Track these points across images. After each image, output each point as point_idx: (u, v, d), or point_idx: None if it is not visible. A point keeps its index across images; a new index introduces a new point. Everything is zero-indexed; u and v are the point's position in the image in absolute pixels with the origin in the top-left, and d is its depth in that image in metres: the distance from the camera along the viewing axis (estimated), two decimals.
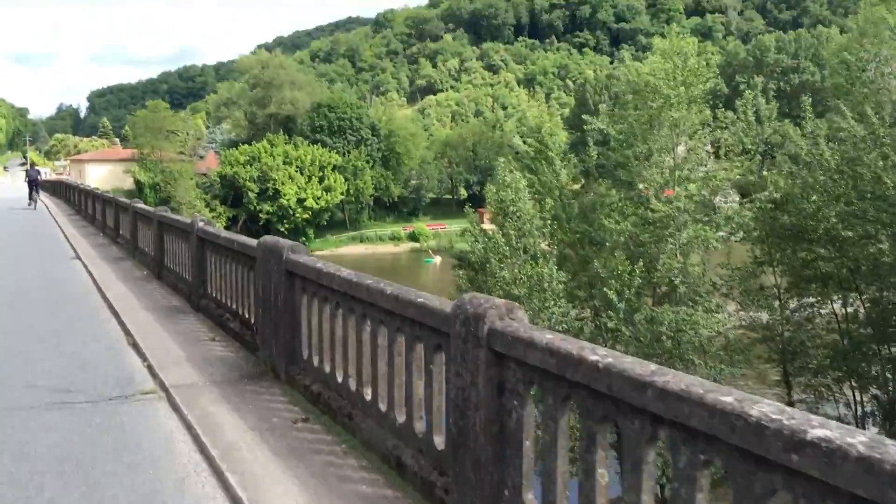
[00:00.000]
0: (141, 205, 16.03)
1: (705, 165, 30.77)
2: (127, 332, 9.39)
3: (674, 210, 28.14)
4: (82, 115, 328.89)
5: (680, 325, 28.43)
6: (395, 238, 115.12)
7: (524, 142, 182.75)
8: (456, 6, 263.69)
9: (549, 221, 29.65)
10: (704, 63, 29.60)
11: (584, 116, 33.29)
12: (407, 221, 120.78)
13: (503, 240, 28.55)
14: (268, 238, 7.23)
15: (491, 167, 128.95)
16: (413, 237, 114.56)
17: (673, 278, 28.68)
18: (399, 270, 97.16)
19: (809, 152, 32.27)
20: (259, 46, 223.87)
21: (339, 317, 5.78)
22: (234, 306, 8.83)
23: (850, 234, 28.94)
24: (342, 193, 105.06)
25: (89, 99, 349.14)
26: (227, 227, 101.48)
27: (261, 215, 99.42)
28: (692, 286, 29.76)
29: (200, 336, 8.98)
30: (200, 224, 10.11)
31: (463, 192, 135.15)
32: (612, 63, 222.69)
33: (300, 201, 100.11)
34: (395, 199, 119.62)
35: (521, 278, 28.20)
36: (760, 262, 34.11)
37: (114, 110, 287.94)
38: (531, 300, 28.41)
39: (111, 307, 11.06)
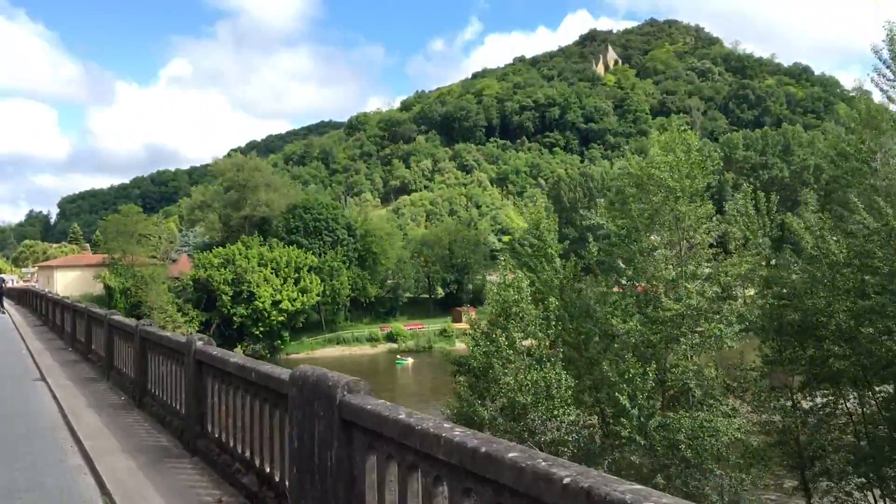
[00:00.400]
0: (119, 317, 13.91)
1: (710, 261, 29.44)
2: (104, 490, 7.26)
3: (685, 308, 26.51)
4: (52, 221, 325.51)
5: (697, 432, 26.50)
6: (372, 339, 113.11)
7: (499, 239, 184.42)
8: (428, 109, 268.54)
9: (553, 322, 27.86)
10: (708, 155, 28.66)
11: (582, 211, 32.03)
12: (384, 322, 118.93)
13: (506, 342, 26.60)
14: (307, 370, 5.28)
15: (468, 265, 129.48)
16: (391, 338, 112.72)
17: (687, 381, 26.85)
18: (378, 372, 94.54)
19: (815, 245, 31.29)
20: (233, 150, 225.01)
21: (442, 498, 3.84)
22: (248, 454, 6.76)
23: (870, 330, 27.55)
24: (318, 295, 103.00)
25: (60, 205, 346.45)
26: (199, 332, 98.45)
27: (235, 318, 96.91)
28: (706, 388, 27.94)
29: (202, 495, 6.85)
30: (199, 344, 8.12)
31: (440, 291, 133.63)
32: (582, 162, 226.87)
33: (275, 304, 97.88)
34: (372, 300, 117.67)
35: (527, 384, 26.14)
36: (770, 361, 32.61)
37: (85, 216, 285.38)
38: (537, 407, 26.35)
39: (82, 449, 8.91)
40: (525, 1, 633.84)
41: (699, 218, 28.70)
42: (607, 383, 28.23)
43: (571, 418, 26.39)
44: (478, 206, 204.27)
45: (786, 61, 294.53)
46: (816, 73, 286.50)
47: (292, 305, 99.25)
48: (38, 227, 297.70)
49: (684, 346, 26.77)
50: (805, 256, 31.67)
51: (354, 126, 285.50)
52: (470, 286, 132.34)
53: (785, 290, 31.88)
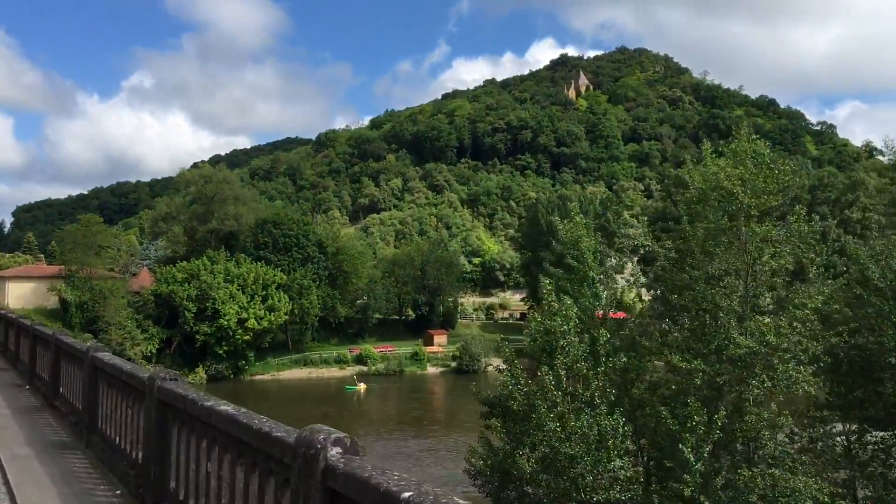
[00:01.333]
0: (108, 356, 9.09)
1: (777, 290, 25.66)
2: None
3: (761, 345, 22.58)
4: (6, 230, 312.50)
5: (768, 492, 22.57)
6: (341, 361, 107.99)
7: (469, 261, 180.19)
8: (399, 128, 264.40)
9: (603, 358, 23.71)
10: (781, 168, 24.88)
11: (622, 229, 28.02)
12: (352, 343, 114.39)
13: (552, 381, 22.34)
14: None
15: (440, 287, 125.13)
16: (360, 360, 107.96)
17: (763, 431, 22.89)
18: (343, 397, 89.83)
19: (882, 276, 27.87)
20: (197, 163, 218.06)
21: None
22: None
23: None
24: (286, 313, 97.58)
25: (14, 214, 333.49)
26: (159, 350, 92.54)
27: (198, 337, 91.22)
28: (776, 440, 24.09)
29: None
30: (335, 455, 3.77)
31: (411, 313, 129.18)
32: (553, 185, 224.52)
33: (241, 322, 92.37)
34: (341, 320, 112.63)
35: (576, 431, 21.90)
36: (825, 406, 29.11)
37: (40, 226, 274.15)
38: (586, 459, 22.13)
39: None
40: (493, 27, 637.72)
41: (766, 240, 24.92)
42: (656, 430, 24.25)
43: (628, 474, 22.20)
44: (448, 227, 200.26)
45: (752, 93, 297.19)
46: (782, 105, 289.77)
47: (259, 324, 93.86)
48: None
49: (757, 390, 22.81)
50: (870, 288, 28.29)
51: (323, 143, 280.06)
52: (441, 308, 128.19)
53: (844, 326, 28.40)
